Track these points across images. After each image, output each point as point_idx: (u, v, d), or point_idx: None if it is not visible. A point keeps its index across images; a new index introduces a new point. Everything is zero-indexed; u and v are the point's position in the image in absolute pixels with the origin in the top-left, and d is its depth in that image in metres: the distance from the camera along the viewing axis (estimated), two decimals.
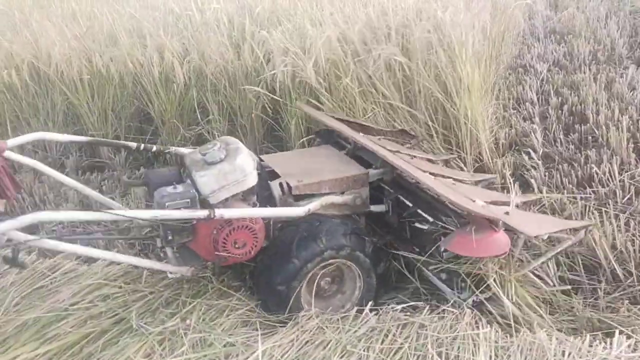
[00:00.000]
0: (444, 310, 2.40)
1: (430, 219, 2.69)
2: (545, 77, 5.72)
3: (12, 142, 2.48)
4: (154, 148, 2.66)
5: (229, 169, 2.47)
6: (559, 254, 2.76)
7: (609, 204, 3.33)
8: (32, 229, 2.43)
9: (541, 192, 3.61)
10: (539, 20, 7.83)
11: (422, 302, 2.58)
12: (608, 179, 3.62)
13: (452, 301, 2.52)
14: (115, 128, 5.16)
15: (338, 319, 2.42)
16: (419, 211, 2.75)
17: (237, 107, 4.61)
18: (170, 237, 2.42)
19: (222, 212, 2.41)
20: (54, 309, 2.66)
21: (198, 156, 2.54)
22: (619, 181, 3.56)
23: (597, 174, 3.67)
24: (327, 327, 2.36)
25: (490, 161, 4.07)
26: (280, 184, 2.73)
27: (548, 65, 6.05)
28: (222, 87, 4.56)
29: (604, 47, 6.43)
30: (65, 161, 5.15)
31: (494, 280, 2.42)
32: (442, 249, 2.55)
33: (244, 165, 2.52)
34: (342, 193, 2.82)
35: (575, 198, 3.47)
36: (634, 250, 2.84)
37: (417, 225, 2.72)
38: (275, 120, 4.59)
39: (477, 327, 2.26)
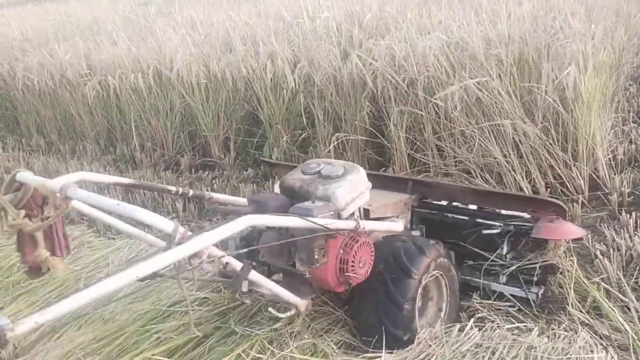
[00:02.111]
0: (554, 332, 2.32)
1: (498, 223, 2.84)
2: None
3: (53, 183, 2.05)
4: (191, 193, 2.57)
5: (357, 180, 2.43)
6: None
7: None
8: None
9: None
10: None
11: (530, 322, 2.51)
12: None
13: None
14: (226, 130, 5.45)
15: (441, 333, 2.41)
16: (479, 220, 2.89)
17: (342, 113, 4.70)
18: (316, 257, 2.21)
19: (364, 224, 2.36)
20: (153, 310, 2.83)
21: (303, 176, 2.47)
22: None
23: None
24: (431, 341, 2.36)
25: (607, 177, 3.85)
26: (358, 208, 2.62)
27: None
28: (328, 93, 4.67)
29: None
30: (180, 159, 5.52)
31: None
32: (505, 252, 2.79)
33: (366, 178, 2.50)
34: (397, 216, 2.85)
35: None
36: None
37: (486, 231, 2.84)
38: (377, 128, 4.63)
39: (592, 352, 2.16)
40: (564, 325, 2.42)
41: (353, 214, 2.46)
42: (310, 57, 4.82)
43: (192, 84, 5.34)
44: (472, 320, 2.49)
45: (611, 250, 3.04)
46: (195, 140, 5.74)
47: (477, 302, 2.74)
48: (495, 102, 3.82)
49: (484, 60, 3.91)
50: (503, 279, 2.81)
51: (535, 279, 2.74)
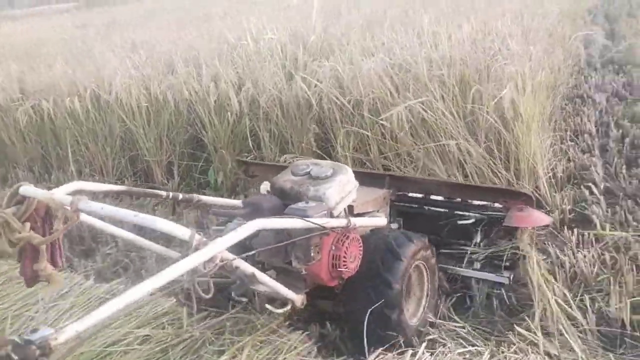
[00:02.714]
0: (505, 355, 2.29)
1: (472, 214, 3.03)
2: (604, 108, 5.53)
3: (61, 195, 2.12)
4: (180, 196, 2.63)
5: (346, 180, 2.58)
6: None
7: None
8: None
9: (604, 230, 3.45)
10: (596, 50, 7.63)
11: (481, 345, 2.47)
12: None
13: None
14: (169, 154, 5.28)
15: (394, 357, 2.34)
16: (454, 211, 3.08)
17: (289, 135, 4.64)
18: (312, 254, 2.34)
19: (355, 221, 2.49)
20: (88, 351, 2.61)
21: (293, 177, 2.58)
22: None
23: None
24: None
25: (548, 195, 3.92)
26: None
27: (607, 96, 5.85)
28: (274, 116, 4.61)
29: None
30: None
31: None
32: (479, 240, 3.01)
33: (353, 177, 2.63)
34: (378, 211, 2.98)
35: None
36: None
37: (462, 222, 3.03)
38: (324, 149, 4.59)
39: None
40: (514, 348, 2.39)
41: (342, 211, 2.57)
42: (255, 79, 4.75)
43: (133, 107, 5.16)
44: (424, 344, 2.43)
45: (556, 268, 3.06)
46: (136, 165, 5.52)
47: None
48: (440, 123, 3.85)
49: (427, 82, 3.95)
50: (477, 265, 2.98)
51: (506, 264, 2.95)
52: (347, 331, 2.68)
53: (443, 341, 2.54)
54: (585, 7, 8.50)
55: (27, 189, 2.09)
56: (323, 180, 2.52)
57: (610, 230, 3.41)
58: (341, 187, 2.53)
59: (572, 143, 4.79)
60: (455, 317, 2.75)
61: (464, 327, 2.70)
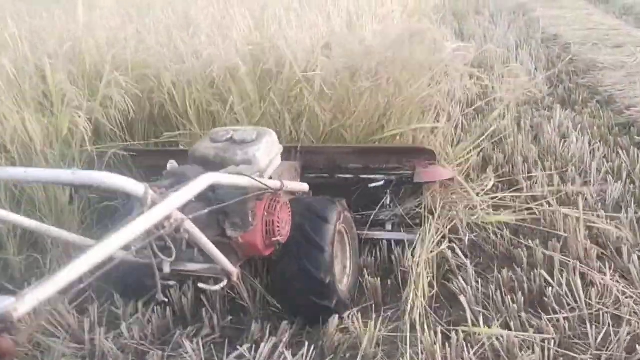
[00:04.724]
0: None
1: (380, 176, 3.05)
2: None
3: None
4: None
5: (272, 142, 2.53)
6: None
7: None
8: None
9: (476, 324, 2.43)
10: None
11: None
12: None
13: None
14: None
15: None
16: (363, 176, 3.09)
17: None
18: (250, 219, 2.26)
19: (287, 184, 2.44)
20: None
21: (215, 144, 2.47)
22: None
23: None
24: None
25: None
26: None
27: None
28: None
29: None
30: None
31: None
32: (389, 201, 3.07)
33: (277, 140, 2.59)
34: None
35: None
36: None
37: (372, 185, 3.05)
38: None
39: None
40: None
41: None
42: None
43: None
44: None
45: None
46: None
47: None
48: None
49: None
50: (389, 227, 3.07)
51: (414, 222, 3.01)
52: (281, 302, 2.64)
53: None
54: (432, 5, 7.84)
55: None
56: (250, 144, 2.43)
57: (486, 327, 2.39)
58: (269, 149, 2.50)
59: None
60: None
61: None
